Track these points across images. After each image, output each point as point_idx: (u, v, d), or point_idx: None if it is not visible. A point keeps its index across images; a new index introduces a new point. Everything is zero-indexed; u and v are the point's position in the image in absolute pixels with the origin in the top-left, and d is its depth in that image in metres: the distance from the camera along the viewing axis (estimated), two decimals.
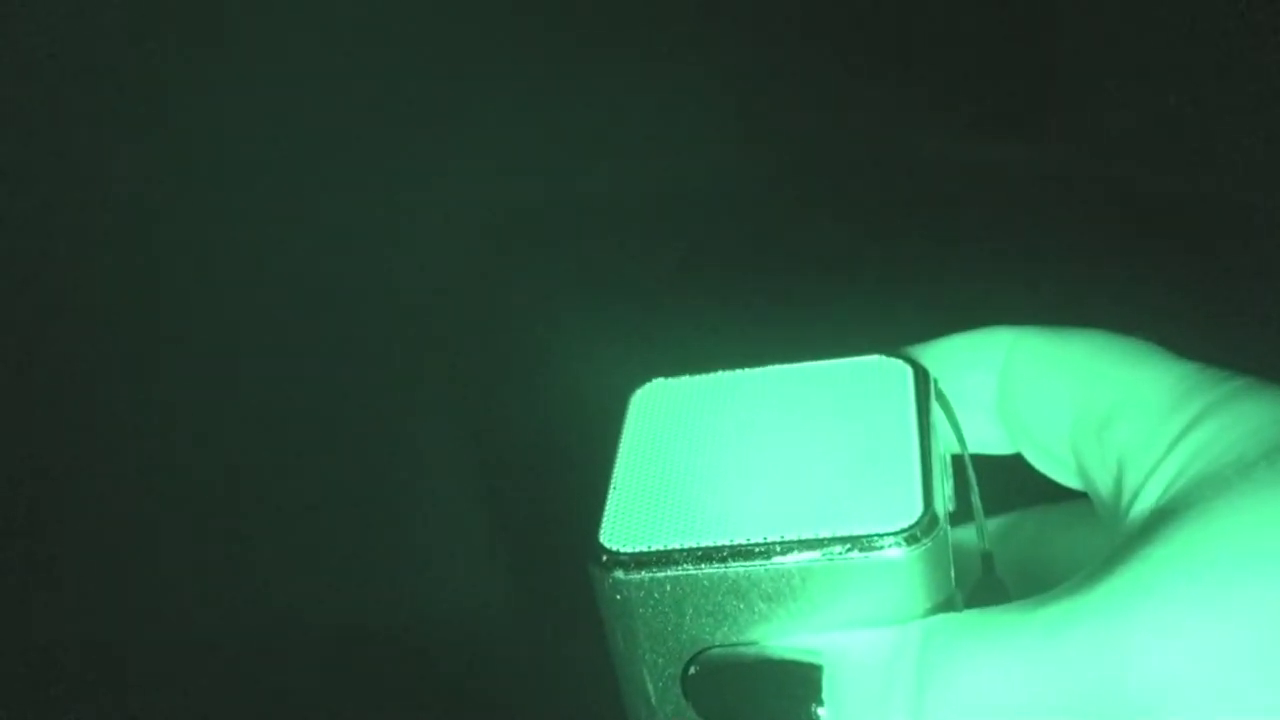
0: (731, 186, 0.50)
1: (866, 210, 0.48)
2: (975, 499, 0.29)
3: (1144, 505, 0.25)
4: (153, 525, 0.52)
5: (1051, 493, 0.30)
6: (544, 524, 0.53)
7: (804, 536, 0.25)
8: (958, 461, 0.30)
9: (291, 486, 0.54)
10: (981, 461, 0.30)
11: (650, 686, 0.27)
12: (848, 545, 0.25)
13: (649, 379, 0.31)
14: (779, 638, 0.26)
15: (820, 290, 0.47)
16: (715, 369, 0.31)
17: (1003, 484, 0.31)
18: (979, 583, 0.29)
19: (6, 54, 0.46)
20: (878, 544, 0.25)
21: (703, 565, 0.26)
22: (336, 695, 0.55)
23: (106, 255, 0.50)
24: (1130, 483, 0.25)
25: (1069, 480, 0.29)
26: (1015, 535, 0.31)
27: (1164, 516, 0.23)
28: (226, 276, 0.51)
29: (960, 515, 0.30)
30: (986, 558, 0.29)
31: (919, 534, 0.25)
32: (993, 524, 0.31)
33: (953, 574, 0.26)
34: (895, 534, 0.25)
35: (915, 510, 0.25)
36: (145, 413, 0.52)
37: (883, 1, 0.52)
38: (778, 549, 0.25)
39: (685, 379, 0.30)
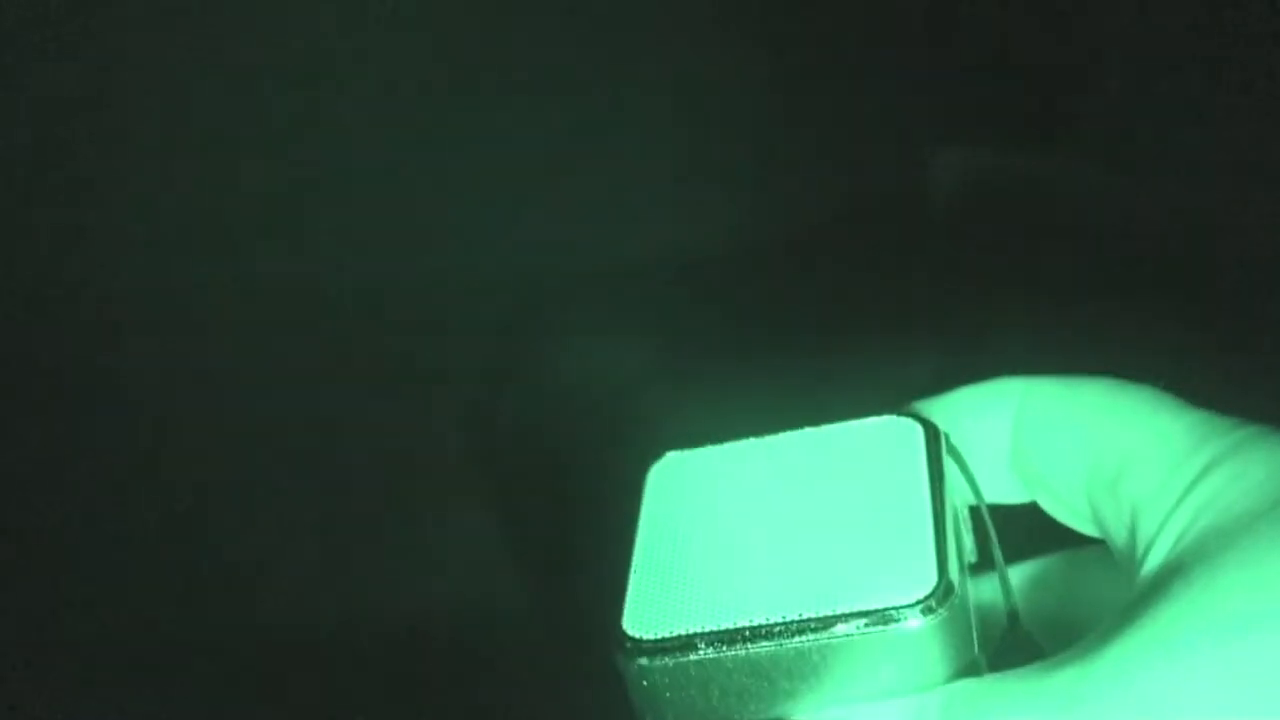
0: (741, 233, 0.50)
1: (882, 249, 0.48)
2: (996, 552, 0.29)
3: (1155, 559, 0.25)
4: (167, 528, 0.53)
5: (1074, 537, 0.30)
6: (558, 529, 0.53)
7: (821, 614, 0.25)
8: (976, 513, 0.30)
9: (298, 491, 0.54)
10: (1003, 507, 0.30)
11: None
12: (865, 619, 0.25)
13: (663, 453, 0.31)
14: (806, 712, 0.26)
15: (836, 327, 0.47)
16: (728, 436, 0.31)
17: (1026, 528, 0.31)
18: (1005, 637, 0.29)
19: (11, 54, 0.46)
20: (895, 616, 0.25)
21: (724, 648, 0.26)
22: (343, 697, 0.55)
23: (119, 260, 0.50)
24: (1143, 535, 0.25)
25: (1087, 529, 0.28)
26: (1043, 582, 0.31)
27: (1172, 573, 0.23)
28: (236, 281, 0.52)
29: (983, 565, 0.30)
30: (1012, 613, 0.29)
31: (935, 604, 0.25)
32: (1019, 571, 0.31)
33: (975, 635, 0.26)
34: (911, 605, 0.25)
35: (930, 580, 0.25)
36: (153, 414, 0.52)
37: (887, 12, 0.52)
38: (795, 628, 0.25)
39: (698, 451, 0.31)
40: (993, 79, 0.49)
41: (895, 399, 0.31)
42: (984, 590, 0.30)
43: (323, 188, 0.51)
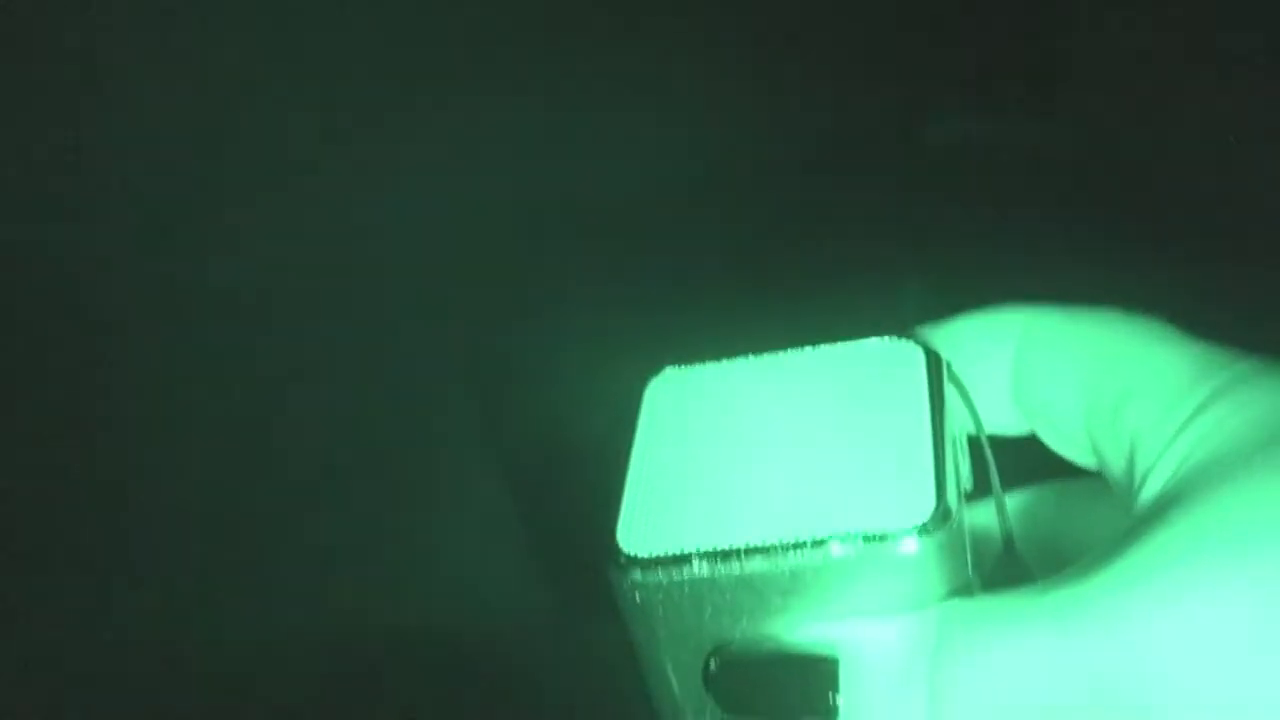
0: (742, 167, 0.49)
1: (877, 189, 0.48)
2: (994, 480, 0.29)
3: (1152, 489, 0.25)
4: (173, 528, 0.53)
5: (1070, 469, 0.30)
6: (570, 517, 0.53)
7: (818, 534, 0.25)
8: (975, 442, 0.30)
9: (305, 488, 0.54)
10: (1000, 438, 0.30)
11: (674, 681, 0.28)
12: (861, 541, 0.25)
13: (662, 367, 0.31)
14: (798, 628, 0.26)
15: (830, 266, 0.46)
16: (728, 354, 0.31)
17: (1022, 461, 0.31)
18: (999, 562, 0.29)
19: (10, 54, 0.46)
20: (891, 538, 0.25)
21: (718, 566, 0.26)
22: (344, 701, 0.55)
23: (121, 256, 0.50)
24: (1141, 466, 0.25)
25: (1084, 460, 0.28)
26: (1037, 510, 0.31)
27: (1168, 502, 0.24)
28: (237, 279, 0.51)
29: (980, 492, 0.30)
30: (1007, 538, 0.29)
31: (932, 527, 0.25)
32: (1014, 499, 0.31)
33: (969, 561, 0.26)
34: (909, 529, 0.25)
35: (928, 503, 0.25)
36: (160, 413, 0.52)
37: None
38: (792, 548, 0.25)
39: (698, 367, 0.30)
40: (989, 44, 0.49)
41: (897, 321, 0.30)
42: (977, 517, 0.30)
43: (315, 175, 0.51)
